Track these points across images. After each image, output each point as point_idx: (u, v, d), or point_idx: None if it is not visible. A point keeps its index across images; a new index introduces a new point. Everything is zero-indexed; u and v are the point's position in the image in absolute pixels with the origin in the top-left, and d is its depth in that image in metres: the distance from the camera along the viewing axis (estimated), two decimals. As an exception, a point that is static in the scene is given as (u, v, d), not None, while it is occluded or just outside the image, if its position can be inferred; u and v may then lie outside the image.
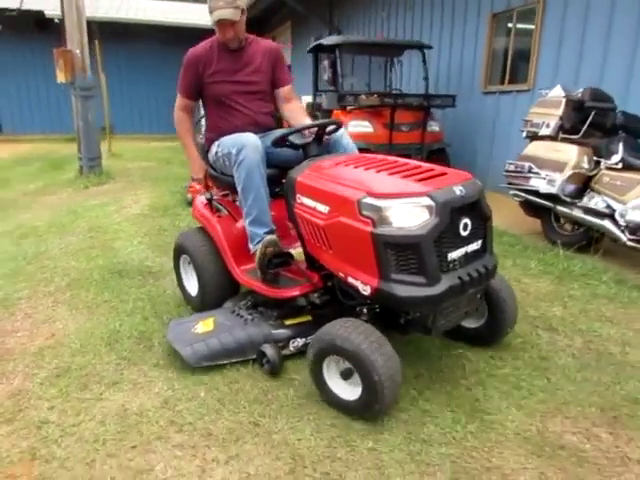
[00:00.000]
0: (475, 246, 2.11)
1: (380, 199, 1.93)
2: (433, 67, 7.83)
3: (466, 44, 7.25)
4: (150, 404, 2.13)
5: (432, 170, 2.16)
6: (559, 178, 4.06)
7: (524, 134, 4.59)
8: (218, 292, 2.73)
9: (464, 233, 2.03)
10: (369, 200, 1.94)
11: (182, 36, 11.41)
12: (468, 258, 2.07)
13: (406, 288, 1.92)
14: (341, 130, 2.72)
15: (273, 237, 2.46)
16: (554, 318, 2.88)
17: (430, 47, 7.06)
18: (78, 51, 7.07)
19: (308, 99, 7.83)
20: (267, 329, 2.43)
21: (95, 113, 7.31)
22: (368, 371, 1.86)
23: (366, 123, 6.26)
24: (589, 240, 4.07)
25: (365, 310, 2.19)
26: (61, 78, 7.08)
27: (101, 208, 5.54)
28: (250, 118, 2.76)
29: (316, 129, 2.50)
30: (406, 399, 2.12)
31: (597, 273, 3.56)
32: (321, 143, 2.52)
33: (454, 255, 2.01)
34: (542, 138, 4.39)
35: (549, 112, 4.34)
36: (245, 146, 2.45)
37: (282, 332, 2.43)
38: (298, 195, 2.29)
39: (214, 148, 2.76)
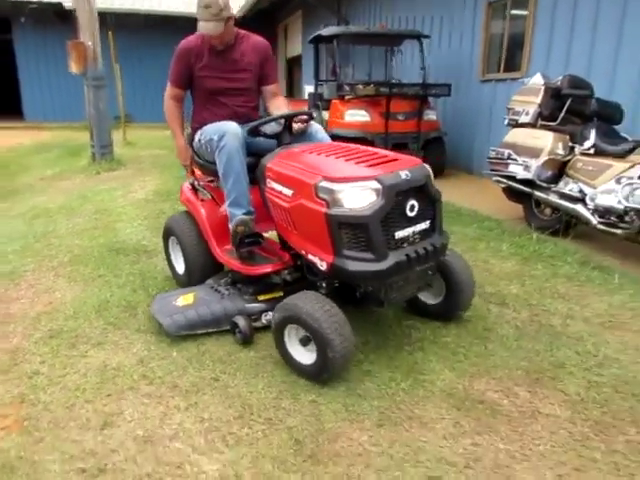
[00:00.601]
0: (423, 226, 2.32)
1: (333, 183, 2.15)
2: (434, 57, 7.97)
3: (465, 33, 7.38)
4: (127, 361, 2.42)
5: (385, 157, 2.37)
6: (535, 164, 4.23)
7: (506, 122, 4.76)
8: (202, 270, 2.99)
9: (411, 214, 2.24)
10: (324, 184, 2.17)
11: (195, 27, 11.65)
12: (416, 237, 2.30)
13: (356, 263, 2.15)
14: (316, 126, 2.95)
15: (245, 217, 2.68)
16: (509, 295, 3.09)
17: (427, 37, 7.20)
18: (90, 43, 7.39)
19: (310, 89, 8.05)
20: (241, 303, 2.69)
21: (106, 102, 7.64)
22: (324, 348, 2.08)
23: (363, 112, 6.46)
24: (565, 225, 4.24)
25: (324, 284, 2.43)
26: (74, 69, 7.41)
27: (109, 193, 5.88)
28: (233, 111, 2.96)
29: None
30: (353, 361, 2.36)
31: (564, 255, 3.75)
32: (291, 133, 2.75)
33: (401, 234, 2.23)
34: (523, 125, 4.55)
35: (529, 100, 4.50)
36: (226, 133, 2.65)
37: (255, 306, 2.69)
38: (268, 180, 2.52)
39: (197, 136, 2.99)
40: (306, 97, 8.46)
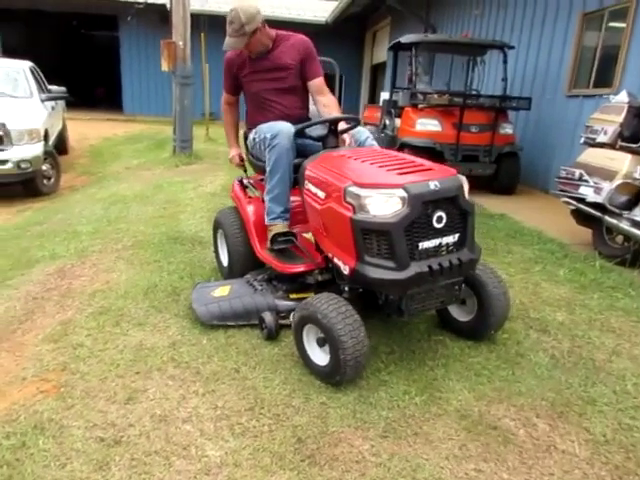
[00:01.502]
0: (451, 238, 2.28)
1: (361, 188, 2.18)
2: (519, 68, 7.70)
3: (554, 45, 7.05)
4: (161, 343, 2.57)
5: (420, 165, 2.36)
6: (607, 187, 3.98)
7: (582, 140, 4.51)
8: (243, 264, 3.11)
9: (438, 225, 2.21)
10: (352, 188, 2.20)
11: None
12: (442, 249, 2.26)
13: (377, 270, 2.16)
14: (366, 133, 2.98)
15: (282, 224, 2.82)
16: (553, 322, 2.93)
17: (512, 47, 6.96)
18: (181, 43, 7.84)
19: (386, 96, 8.04)
20: (272, 299, 2.77)
21: (191, 100, 8.07)
22: (337, 348, 2.12)
23: (435, 122, 6.38)
24: (634, 254, 3.95)
25: (347, 288, 2.46)
26: (164, 67, 7.90)
27: (181, 185, 6.21)
28: (282, 112, 3.05)
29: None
30: (371, 369, 2.36)
31: (627, 287, 3.49)
32: (336, 136, 2.79)
33: (426, 245, 2.21)
34: (600, 145, 4.29)
35: (609, 119, 4.23)
36: (279, 132, 2.75)
37: (285, 304, 2.76)
38: (306, 181, 2.59)
39: (251, 135, 3.12)
40: (381, 104, 8.46)
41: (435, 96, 6.38)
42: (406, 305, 2.25)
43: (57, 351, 2.53)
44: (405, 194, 2.11)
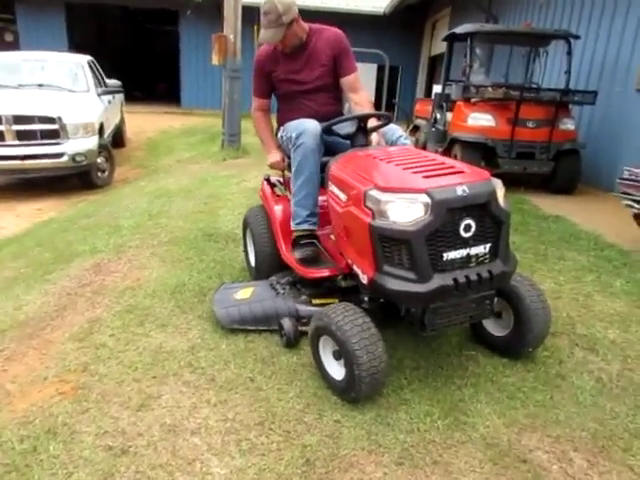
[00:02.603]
0: (481, 249, 2.08)
1: (382, 192, 2.02)
2: (586, 60, 7.18)
3: (625, 35, 6.49)
4: (180, 347, 2.53)
5: (450, 167, 2.16)
6: (675, 191, 3.60)
7: (648, 139, 4.11)
8: (269, 265, 3.01)
9: (466, 234, 2.02)
10: (373, 192, 2.04)
11: (345, 22, 11.85)
12: (470, 261, 2.07)
13: (396, 282, 2.00)
14: (398, 132, 2.81)
15: (307, 228, 2.71)
16: (603, 340, 2.66)
17: (577, 37, 6.47)
18: (232, 36, 7.84)
19: (438, 89, 7.72)
20: (293, 304, 2.66)
21: (240, 94, 8.07)
22: (351, 363, 1.99)
23: (488, 116, 6.05)
24: None
25: (366, 298, 2.32)
26: (215, 61, 7.94)
27: (226, 179, 6.21)
28: (314, 111, 2.92)
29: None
30: (393, 386, 2.21)
31: (695, 303, 3.14)
32: (366, 134, 2.64)
33: (451, 255, 2.02)
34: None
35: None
36: (305, 131, 2.64)
37: (307, 309, 2.65)
38: (329, 182, 2.47)
39: (280, 132, 3.02)
40: (433, 97, 8.15)
41: (489, 89, 6.05)
42: (429, 319, 2.08)
43: (80, 350, 2.54)
44: (428, 200, 1.94)
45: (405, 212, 1.96)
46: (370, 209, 2.04)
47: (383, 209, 1.99)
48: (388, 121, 2.73)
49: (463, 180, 2.02)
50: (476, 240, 2.04)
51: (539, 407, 2.13)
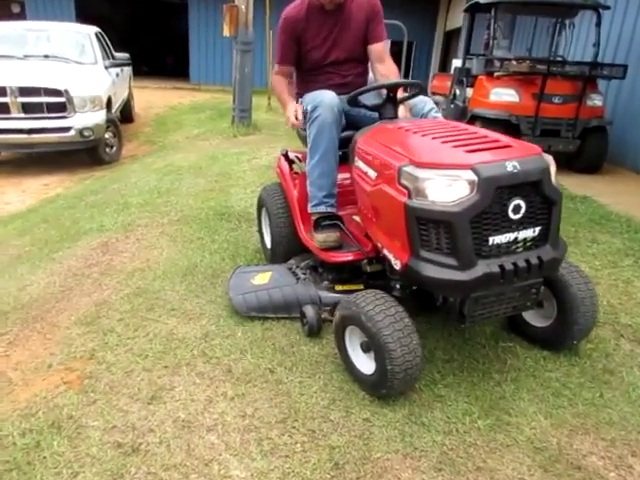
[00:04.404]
0: (530, 233, 1.87)
1: (420, 168, 1.80)
2: (614, 32, 6.82)
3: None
4: (192, 334, 2.36)
5: (495, 141, 1.94)
6: None
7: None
8: (286, 247, 2.82)
9: (514, 216, 1.81)
10: (409, 169, 1.83)
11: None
12: (518, 245, 1.87)
13: (434, 269, 1.80)
14: (430, 104, 2.58)
15: (324, 211, 2.50)
16: (649, 331, 2.47)
17: (607, 7, 6.12)
18: (243, 6, 7.52)
19: (458, 63, 7.40)
20: (315, 291, 2.48)
21: (252, 67, 7.79)
22: (383, 358, 1.81)
23: (512, 91, 5.75)
24: None
25: (398, 286, 2.12)
26: (226, 32, 7.64)
27: (237, 156, 5.99)
28: (340, 83, 2.71)
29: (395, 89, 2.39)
30: (425, 380, 2.03)
31: None
32: (395, 106, 2.41)
33: (498, 240, 1.81)
34: None
35: None
36: (320, 103, 2.41)
37: (330, 296, 2.47)
38: (356, 157, 2.25)
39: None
40: (452, 72, 7.82)
41: (514, 63, 5.74)
42: (469, 310, 1.88)
43: (87, 336, 2.37)
44: (475, 177, 1.72)
45: (446, 191, 1.74)
46: (405, 187, 1.83)
47: (421, 187, 1.78)
48: (419, 91, 2.50)
49: (512, 155, 1.80)
50: (525, 223, 1.83)
51: (588, 406, 1.94)
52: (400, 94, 2.44)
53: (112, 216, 3.98)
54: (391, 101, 2.38)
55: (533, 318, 2.29)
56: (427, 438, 1.77)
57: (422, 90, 2.51)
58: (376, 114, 2.45)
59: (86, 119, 6.11)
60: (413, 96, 2.50)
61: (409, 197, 1.81)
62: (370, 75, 2.82)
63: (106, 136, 6.63)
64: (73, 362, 2.20)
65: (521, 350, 2.26)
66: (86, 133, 6.13)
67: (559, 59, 6.58)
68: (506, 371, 2.12)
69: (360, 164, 2.20)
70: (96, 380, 2.07)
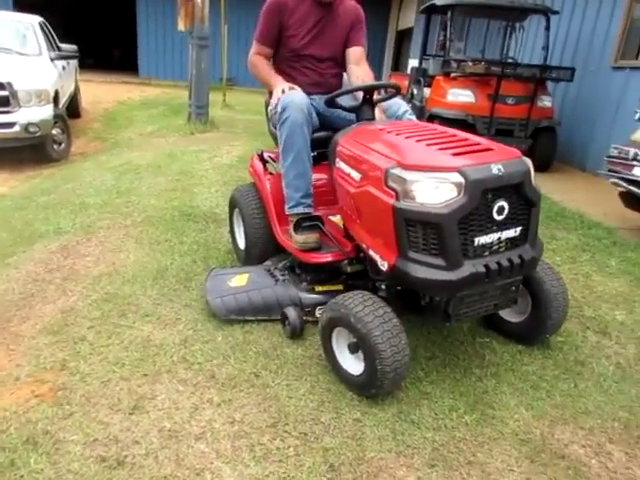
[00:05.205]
0: (512, 233, 1.93)
1: (407, 171, 1.82)
2: (561, 36, 7.13)
3: (602, 11, 6.47)
4: (170, 339, 2.29)
5: (477, 144, 1.99)
6: (667, 170, 3.57)
7: (637, 116, 4.06)
8: (262, 248, 2.79)
9: (498, 217, 1.86)
10: (397, 171, 1.84)
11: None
12: (501, 245, 1.92)
13: (422, 269, 1.82)
14: (404, 106, 2.61)
15: (303, 212, 2.49)
16: (612, 322, 2.59)
17: (556, 12, 6.40)
18: (199, 1, 7.34)
19: (415, 63, 7.54)
20: (295, 292, 2.46)
21: (208, 63, 7.63)
22: (373, 358, 1.82)
23: (468, 92, 5.93)
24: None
25: (383, 286, 2.14)
26: (181, 26, 7.44)
27: (196, 154, 5.85)
28: (316, 78, 2.71)
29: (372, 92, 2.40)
30: (410, 378, 2.06)
31: (691, 282, 3.12)
32: (372, 107, 2.42)
33: (483, 240, 1.86)
34: (659, 123, 3.87)
35: (671, 93, 3.79)
36: (290, 104, 2.39)
37: (310, 297, 2.45)
38: (337, 159, 2.25)
39: (270, 106, 2.75)
40: (409, 72, 7.95)
41: (470, 64, 5.90)
42: (454, 309, 1.92)
43: (56, 345, 2.25)
44: (462, 179, 1.75)
45: (434, 193, 1.77)
46: (393, 189, 1.84)
47: (409, 189, 1.79)
48: (396, 93, 2.52)
49: (496, 158, 1.85)
50: (508, 223, 1.89)
51: (565, 397, 2.02)
52: (376, 96, 2.46)
53: (69, 217, 3.80)
54: (368, 103, 2.39)
55: (508, 314, 2.36)
56: (418, 435, 1.79)
57: (399, 91, 2.53)
58: (352, 115, 2.46)
59: (32, 114, 5.78)
60: (389, 98, 2.52)
61: (397, 199, 1.83)
62: (345, 77, 2.82)
63: (54, 132, 6.30)
64: (43, 374, 2.08)
65: (498, 345, 2.33)
66: (32, 129, 5.80)
67: (510, 61, 6.81)
68: (486, 366, 2.18)
69: (342, 165, 2.20)
70: (71, 391, 1.97)
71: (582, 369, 2.21)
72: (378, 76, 15.49)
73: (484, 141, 2.03)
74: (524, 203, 1.92)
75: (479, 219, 1.82)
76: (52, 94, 6.20)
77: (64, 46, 7.89)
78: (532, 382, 2.09)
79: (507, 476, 1.65)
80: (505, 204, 1.85)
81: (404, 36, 15.40)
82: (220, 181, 4.73)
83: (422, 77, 6.85)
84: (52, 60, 6.92)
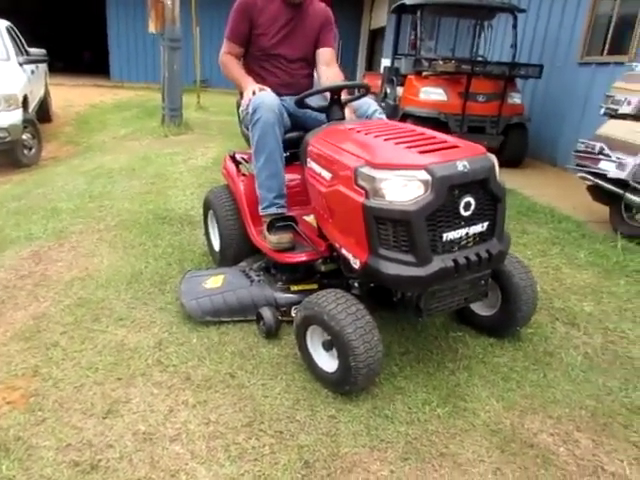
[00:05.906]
0: (479, 228, 1.97)
1: (376, 169, 1.85)
2: (528, 33, 7.26)
3: (567, 8, 6.61)
4: (145, 343, 2.28)
5: (444, 142, 2.03)
6: (632, 162, 3.66)
7: (602, 111, 4.17)
8: (236, 250, 2.79)
9: (465, 213, 1.90)
10: (365, 170, 1.87)
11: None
12: (469, 240, 1.96)
13: (393, 266, 1.85)
14: (374, 106, 2.64)
15: (275, 212, 2.51)
16: (580, 313, 2.66)
17: (523, 11, 6.53)
18: (169, 2, 7.29)
19: (387, 62, 7.60)
20: (270, 292, 2.47)
21: (180, 65, 7.57)
22: (347, 355, 1.84)
23: (440, 90, 5.99)
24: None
25: (356, 284, 2.16)
26: (152, 28, 7.37)
27: (170, 157, 5.81)
28: (287, 79, 2.72)
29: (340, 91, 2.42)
30: (384, 374, 2.08)
31: (655, 272, 3.22)
32: (342, 107, 2.45)
33: (451, 236, 1.89)
34: (623, 117, 3.96)
35: (634, 88, 3.90)
36: (260, 105, 2.40)
37: (285, 297, 2.46)
38: (308, 159, 2.27)
39: (244, 101, 2.75)
40: (382, 71, 8.02)
41: (441, 63, 5.98)
42: (425, 304, 1.95)
43: (28, 352, 2.23)
44: (429, 177, 1.79)
45: (403, 190, 1.80)
46: (363, 188, 1.86)
47: (378, 187, 1.82)
48: (365, 93, 2.55)
49: (461, 155, 1.89)
50: (475, 219, 1.93)
51: (535, 387, 2.07)
52: (344, 96, 2.48)
53: (41, 223, 3.75)
54: (337, 103, 2.42)
55: (479, 308, 2.41)
56: (391, 429, 1.82)
57: (368, 91, 2.56)
58: (323, 115, 2.48)
59: (0, 119, 5.70)
60: (358, 97, 2.54)
61: (367, 197, 1.85)
62: (315, 77, 2.84)
63: (24, 137, 6.20)
64: (14, 380, 2.06)
65: (470, 339, 2.37)
66: (1, 134, 5.71)
67: (480, 59, 6.92)
68: (458, 360, 2.22)
69: (313, 165, 2.21)
70: (43, 398, 1.95)
71: (551, 360, 2.26)
72: (352, 76, 15.57)
73: (450, 139, 2.07)
74: (490, 198, 1.96)
75: (447, 215, 1.86)
76: (21, 99, 6.11)
77: (33, 50, 7.77)
78: (503, 374, 2.14)
79: (478, 466, 1.69)
80: (472, 200, 1.89)
81: (377, 35, 15.50)
82: (195, 183, 4.71)
83: (395, 76, 6.91)
84: (20, 65, 6.80)
